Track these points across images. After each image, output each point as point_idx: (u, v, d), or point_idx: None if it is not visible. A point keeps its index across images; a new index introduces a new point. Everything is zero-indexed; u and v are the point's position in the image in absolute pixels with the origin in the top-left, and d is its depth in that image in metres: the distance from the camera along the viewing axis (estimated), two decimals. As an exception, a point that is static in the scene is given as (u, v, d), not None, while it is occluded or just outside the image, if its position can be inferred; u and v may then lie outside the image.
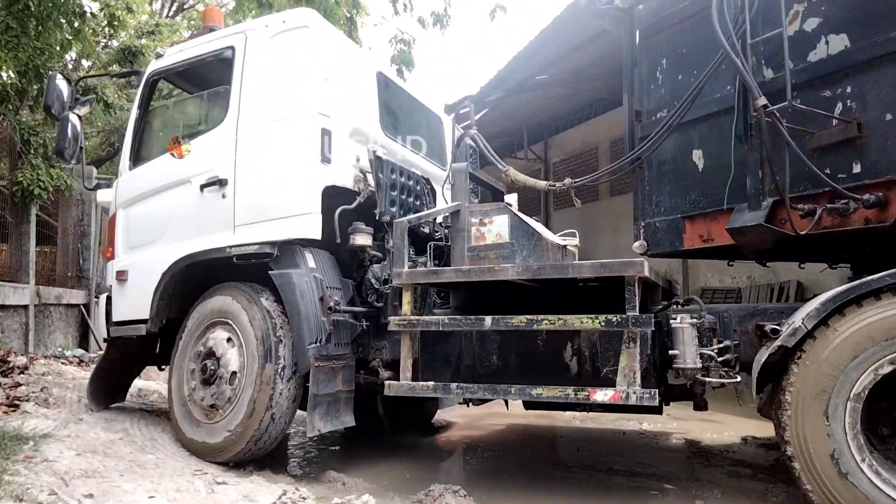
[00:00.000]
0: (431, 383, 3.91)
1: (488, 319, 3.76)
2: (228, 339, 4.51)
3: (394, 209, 4.96)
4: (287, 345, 4.37)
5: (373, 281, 4.84)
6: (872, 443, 3.04)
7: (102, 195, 5.52)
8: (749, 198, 4.06)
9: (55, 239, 11.48)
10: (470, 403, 4.63)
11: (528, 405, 4.72)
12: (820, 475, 2.92)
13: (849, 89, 3.58)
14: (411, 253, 4.60)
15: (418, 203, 5.35)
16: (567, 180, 4.77)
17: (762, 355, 3.10)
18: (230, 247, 4.64)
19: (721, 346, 3.70)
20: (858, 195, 3.43)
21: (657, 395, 3.36)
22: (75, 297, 11.46)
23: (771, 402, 3.54)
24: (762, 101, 3.49)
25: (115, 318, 5.16)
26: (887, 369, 2.91)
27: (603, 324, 3.54)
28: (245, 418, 4.29)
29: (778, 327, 3.25)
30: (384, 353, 4.78)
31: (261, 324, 4.40)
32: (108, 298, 5.22)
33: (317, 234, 4.50)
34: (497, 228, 4.82)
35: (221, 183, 4.76)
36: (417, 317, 4.01)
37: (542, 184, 4.91)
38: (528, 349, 3.95)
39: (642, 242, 4.88)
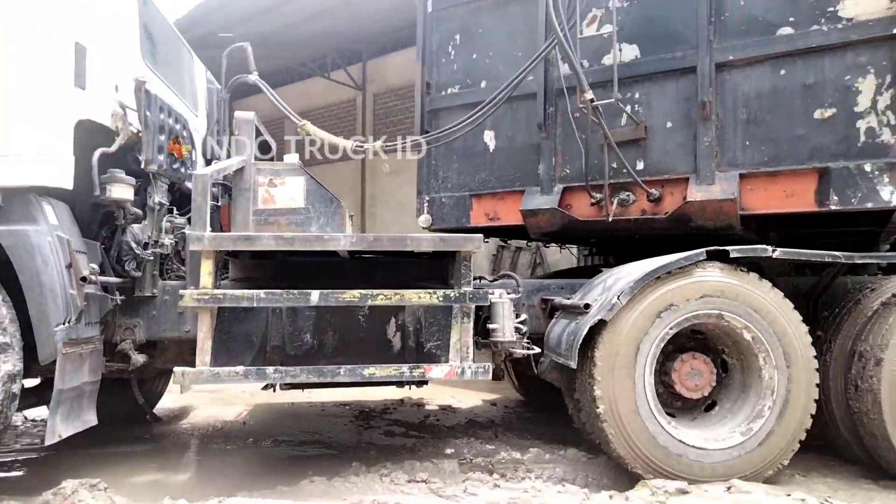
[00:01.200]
0: (241, 368, 3.33)
1: (315, 294, 3.35)
2: None
3: (161, 157, 4.07)
4: (12, 329, 3.29)
5: (132, 245, 3.91)
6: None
7: None
8: (541, 182, 4.40)
9: None
10: (275, 388, 4.09)
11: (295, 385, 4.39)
12: (623, 422, 3.35)
13: (637, 95, 4.11)
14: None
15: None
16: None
17: (583, 326, 3.40)
18: None
19: (522, 319, 3.95)
20: (643, 189, 3.97)
21: (490, 369, 3.43)
22: None
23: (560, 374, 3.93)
24: (590, 94, 3.78)
25: None
26: (670, 333, 3.46)
27: (441, 299, 3.47)
28: None
29: (583, 302, 3.59)
30: (137, 333, 3.94)
31: None
32: None
33: (68, 181, 3.44)
34: (290, 191, 4.35)
35: None
36: (223, 291, 3.37)
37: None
38: (348, 326, 3.65)
39: (427, 217, 4.92)
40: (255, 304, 3.38)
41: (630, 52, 4.16)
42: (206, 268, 3.41)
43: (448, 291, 3.48)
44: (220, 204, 4.70)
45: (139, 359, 3.91)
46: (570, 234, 4.43)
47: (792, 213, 3.68)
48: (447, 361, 3.58)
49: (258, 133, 4.65)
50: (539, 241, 4.42)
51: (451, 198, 4.83)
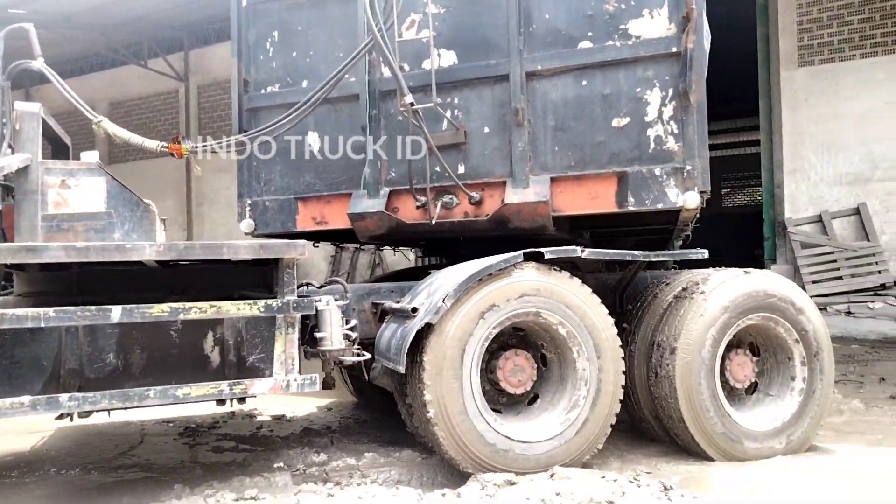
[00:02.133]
0: (28, 398, 2.91)
1: (117, 310, 3.04)
2: None
3: None
4: None
5: None
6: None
7: None
8: (367, 185, 4.38)
9: None
10: (72, 417, 3.63)
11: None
12: (452, 424, 3.41)
13: (457, 100, 4.22)
14: None
15: None
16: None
17: (410, 331, 3.42)
18: None
19: (351, 325, 3.90)
20: (464, 192, 4.09)
21: (318, 381, 3.34)
22: None
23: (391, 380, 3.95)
24: (409, 98, 3.80)
25: None
26: (493, 332, 3.59)
27: (263, 309, 3.31)
28: None
29: (410, 306, 3.62)
30: None
31: None
32: None
33: None
34: (87, 194, 3.95)
35: None
36: (2, 310, 2.94)
37: (151, 144, 4.18)
38: (159, 342, 3.35)
39: (250, 221, 4.70)
40: (42, 324, 3.00)
41: (449, 57, 4.26)
42: (-16, 286, 2.98)
43: (270, 301, 3.34)
44: None
45: None
46: (398, 237, 4.45)
47: (597, 213, 3.97)
48: (272, 375, 3.43)
49: (47, 128, 4.16)
50: (368, 244, 4.38)
51: (276, 201, 4.65)
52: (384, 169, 4.36)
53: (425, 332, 3.47)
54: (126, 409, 3.29)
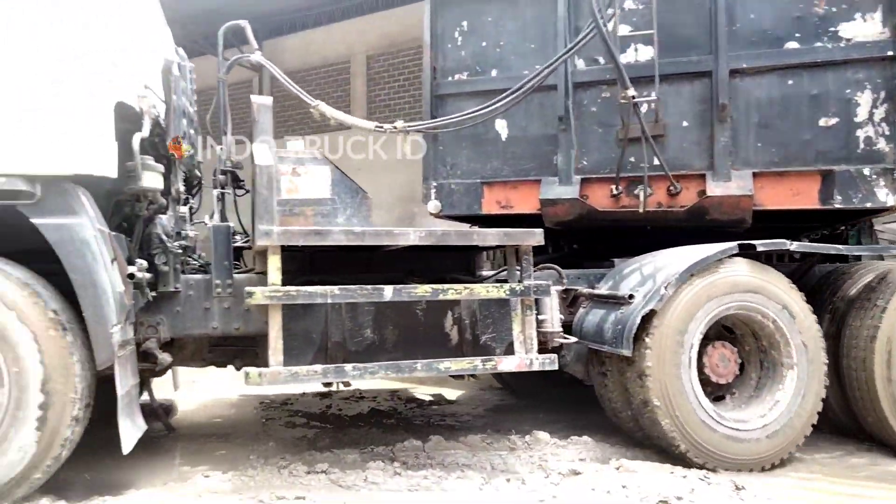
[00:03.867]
0: (320, 367, 3.25)
1: (388, 289, 3.34)
2: None
3: (185, 144, 3.79)
4: (74, 334, 3.02)
5: (162, 237, 3.64)
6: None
7: None
8: (559, 173, 4.60)
9: None
10: (338, 386, 3.98)
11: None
12: (675, 410, 3.67)
13: (653, 94, 4.39)
14: None
15: None
16: (399, 123, 4.44)
17: (635, 316, 3.66)
18: None
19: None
20: (670, 181, 4.29)
21: (556, 361, 3.61)
22: None
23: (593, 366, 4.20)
24: (631, 91, 4.00)
25: None
26: (711, 320, 3.80)
27: (507, 292, 3.57)
28: (41, 423, 2.95)
29: (627, 293, 3.86)
30: (161, 331, 3.71)
31: (32, 310, 2.93)
32: None
33: (112, 169, 3.14)
34: (314, 181, 4.22)
35: None
36: (296, 288, 3.25)
37: (366, 124, 4.43)
38: (406, 320, 3.65)
39: (436, 203, 4.95)
40: (328, 301, 3.31)
41: (646, 52, 4.42)
42: (275, 263, 3.28)
43: (514, 285, 3.60)
44: (227, 192, 4.43)
45: (166, 358, 3.69)
46: (586, 224, 4.66)
47: (796, 209, 4.16)
48: (503, 353, 3.71)
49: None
50: (552, 229, 4.60)
51: (461, 185, 4.89)
52: (577, 157, 4.57)
53: (646, 318, 3.70)
54: (390, 379, 3.56)
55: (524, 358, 3.57)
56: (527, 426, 4.50)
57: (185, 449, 4.28)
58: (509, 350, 3.72)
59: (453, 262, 4.28)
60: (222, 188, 4.35)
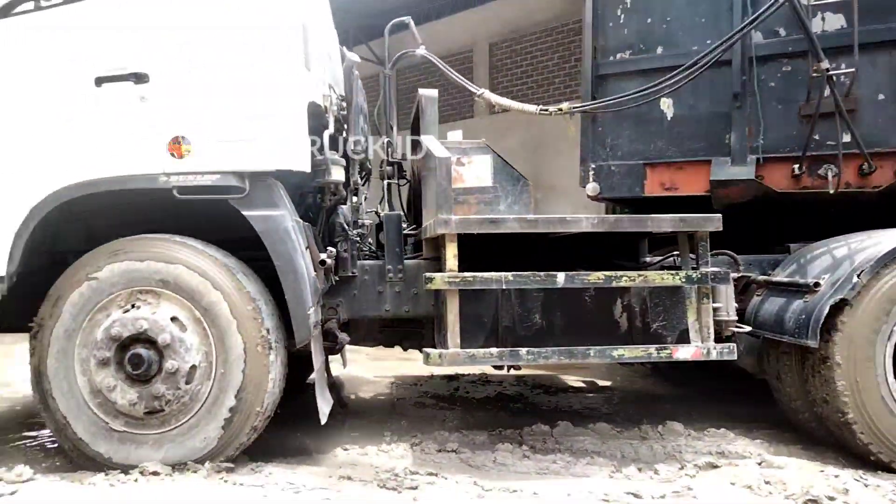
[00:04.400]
0: (495, 350, 3.37)
1: (561, 276, 3.36)
2: (174, 318, 3.17)
3: (361, 139, 4.01)
4: (271, 313, 3.30)
5: (344, 226, 3.90)
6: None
7: None
8: (733, 153, 4.36)
9: None
10: (509, 369, 4.13)
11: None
12: (866, 408, 3.42)
13: (843, 66, 4.03)
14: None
15: None
16: (565, 105, 4.43)
17: (822, 305, 3.44)
18: (168, 175, 3.19)
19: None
20: (866, 160, 3.94)
21: (735, 350, 3.48)
22: None
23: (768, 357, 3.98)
24: (825, 63, 3.72)
25: None
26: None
27: (683, 280, 3.49)
28: (228, 418, 3.19)
29: (811, 281, 3.61)
30: (340, 312, 3.97)
31: (235, 287, 3.22)
32: None
33: (306, 164, 3.38)
34: (477, 170, 4.31)
35: (137, 78, 3.19)
36: (473, 273, 3.36)
37: (530, 108, 4.47)
38: (574, 306, 3.66)
39: (595, 185, 4.88)
40: (503, 287, 3.39)
41: (833, 21, 4.07)
42: (452, 250, 3.40)
43: (690, 273, 3.50)
44: (393, 182, 4.64)
45: (345, 337, 3.95)
46: (760, 206, 4.41)
47: None
48: (674, 342, 3.63)
49: None
50: (722, 212, 4.39)
51: (622, 166, 4.77)
52: (752, 135, 4.32)
53: (835, 308, 3.46)
54: (562, 364, 3.61)
55: (700, 347, 3.47)
56: (659, 416, 4.37)
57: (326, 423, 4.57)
58: (682, 338, 3.63)
59: (615, 248, 4.21)
60: (388, 179, 4.57)
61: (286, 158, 3.30)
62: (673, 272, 3.49)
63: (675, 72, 4.22)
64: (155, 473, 3.04)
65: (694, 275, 3.49)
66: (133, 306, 3.15)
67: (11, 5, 3.25)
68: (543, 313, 3.65)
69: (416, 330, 4.29)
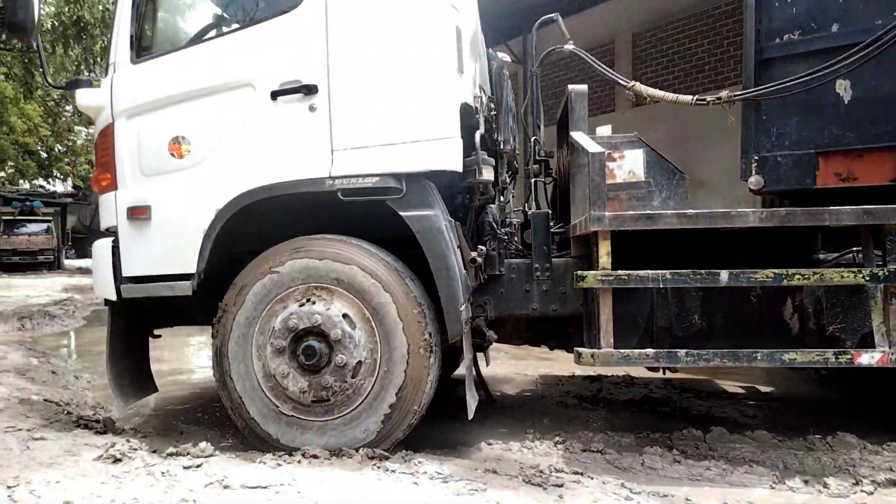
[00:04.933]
0: (651, 351, 3.24)
1: (724, 274, 3.17)
2: (345, 315, 3.34)
3: (510, 138, 4.03)
4: (433, 318, 3.42)
5: (493, 224, 3.93)
6: None
7: (86, 97, 3.66)
8: (928, 138, 3.87)
9: None
10: (665, 371, 4.02)
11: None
12: None
13: None
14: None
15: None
16: (724, 93, 4.18)
17: None
18: (333, 178, 3.38)
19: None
20: None
21: (928, 356, 3.10)
22: None
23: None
24: None
25: (130, 271, 3.59)
26: None
27: (867, 278, 3.15)
28: (387, 414, 3.33)
29: None
30: (488, 310, 3.99)
31: (403, 291, 3.34)
32: (115, 245, 3.61)
33: (458, 164, 3.44)
34: (629, 165, 4.18)
35: (308, 90, 3.41)
36: (627, 272, 3.26)
37: (685, 98, 4.26)
38: (737, 306, 3.45)
39: (758, 178, 4.53)
40: (660, 285, 3.25)
41: None
42: (605, 248, 3.31)
43: (876, 270, 3.16)
44: (540, 180, 4.61)
45: (493, 335, 3.96)
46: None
47: None
48: (853, 346, 3.28)
49: None
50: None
51: (790, 156, 4.38)
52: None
53: None
54: (725, 367, 3.40)
55: (889, 352, 3.11)
56: (828, 426, 3.95)
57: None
58: (864, 342, 3.28)
59: (782, 247, 3.89)
60: (535, 177, 4.54)
61: (440, 159, 3.37)
62: (855, 269, 3.17)
63: (853, 49, 3.82)
64: (314, 457, 3.24)
65: (881, 272, 3.14)
66: (308, 300, 3.37)
67: (200, 35, 3.62)
68: (703, 313, 3.47)
69: (563, 329, 4.23)
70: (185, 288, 3.48)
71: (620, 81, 4.37)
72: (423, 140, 3.36)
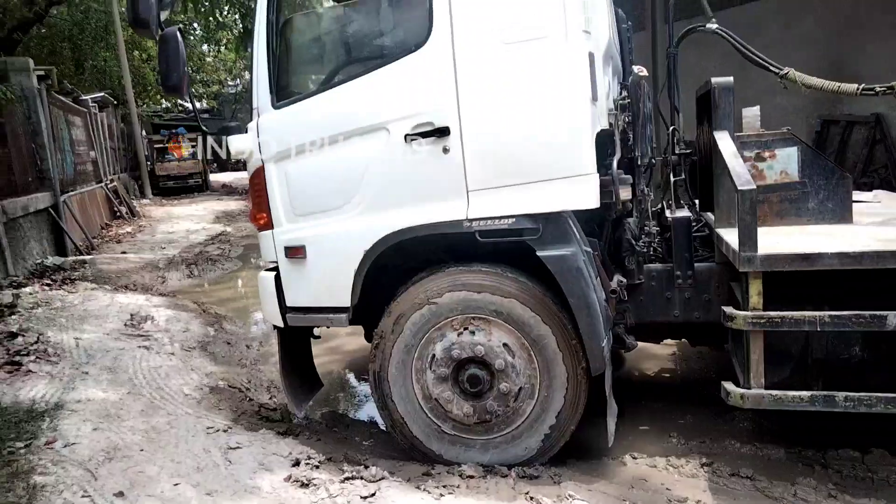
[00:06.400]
0: (807, 394, 3.16)
1: (892, 317, 2.97)
2: (505, 345, 3.54)
3: (647, 149, 3.87)
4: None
5: (631, 240, 3.87)
6: None
7: (236, 143, 3.91)
8: None
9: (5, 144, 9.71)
10: None
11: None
12: None
13: None
14: None
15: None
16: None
17: None
18: (470, 220, 3.46)
19: None
20: None
21: None
22: (41, 201, 10.41)
23: None
24: None
25: (293, 302, 3.95)
26: None
27: None
28: (547, 434, 3.61)
29: None
30: (627, 318, 4.02)
31: (559, 324, 3.47)
32: (277, 279, 3.96)
33: (594, 200, 3.37)
34: (781, 164, 3.91)
35: (440, 133, 3.43)
36: (780, 314, 3.14)
37: (849, 87, 3.87)
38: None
39: None
40: (817, 328, 3.12)
41: None
42: (756, 288, 3.18)
43: None
44: (679, 179, 4.38)
45: (633, 342, 4.00)
46: None
47: None
48: None
49: None
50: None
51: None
52: None
53: None
54: (889, 412, 3.20)
55: None
56: None
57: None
58: None
59: None
60: (674, 172, 4.31)
61: (576, 198, 3.32)
62: None
63: None
64: (471, 476, 3.57)
65: None
66: (466, 330, 3.59)
67: (334, 75, 3.71)
68: (864, 355, 3.28)
69: (708, 333, 4.16)
70: (343, 321, 3.80)
71: (772, 67, 3.98)
72: (557, 178, 3.32)
